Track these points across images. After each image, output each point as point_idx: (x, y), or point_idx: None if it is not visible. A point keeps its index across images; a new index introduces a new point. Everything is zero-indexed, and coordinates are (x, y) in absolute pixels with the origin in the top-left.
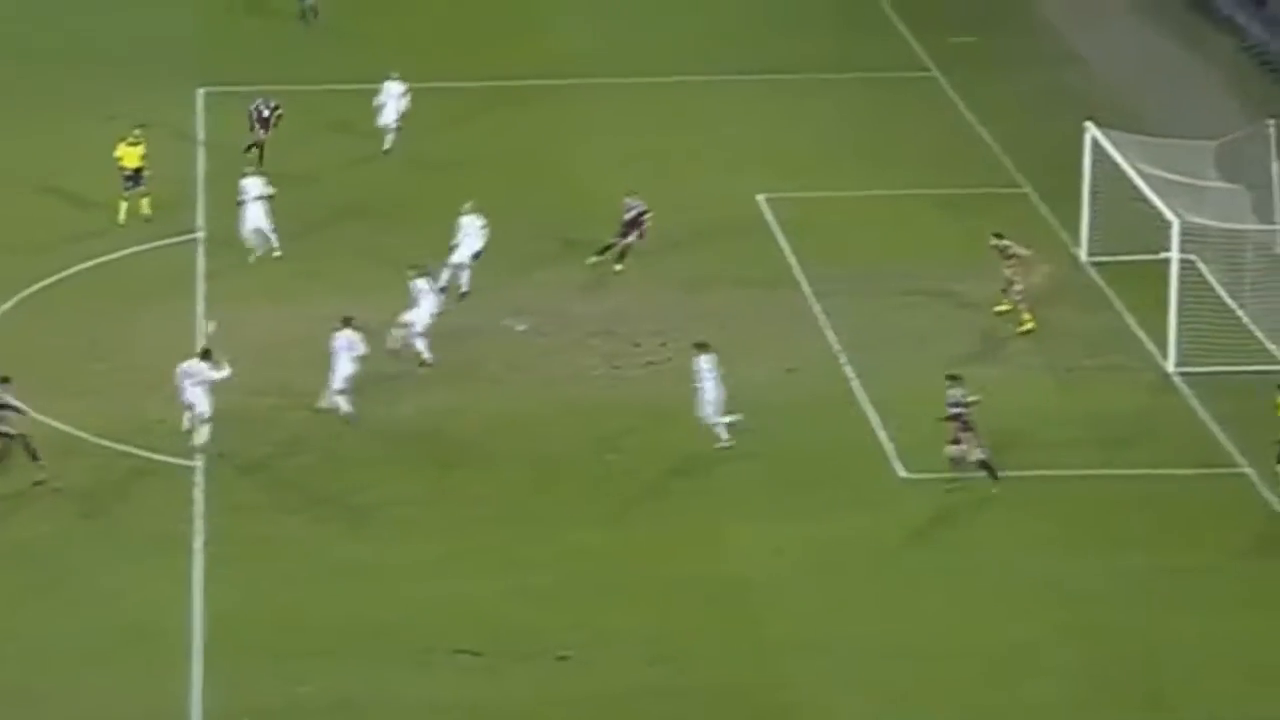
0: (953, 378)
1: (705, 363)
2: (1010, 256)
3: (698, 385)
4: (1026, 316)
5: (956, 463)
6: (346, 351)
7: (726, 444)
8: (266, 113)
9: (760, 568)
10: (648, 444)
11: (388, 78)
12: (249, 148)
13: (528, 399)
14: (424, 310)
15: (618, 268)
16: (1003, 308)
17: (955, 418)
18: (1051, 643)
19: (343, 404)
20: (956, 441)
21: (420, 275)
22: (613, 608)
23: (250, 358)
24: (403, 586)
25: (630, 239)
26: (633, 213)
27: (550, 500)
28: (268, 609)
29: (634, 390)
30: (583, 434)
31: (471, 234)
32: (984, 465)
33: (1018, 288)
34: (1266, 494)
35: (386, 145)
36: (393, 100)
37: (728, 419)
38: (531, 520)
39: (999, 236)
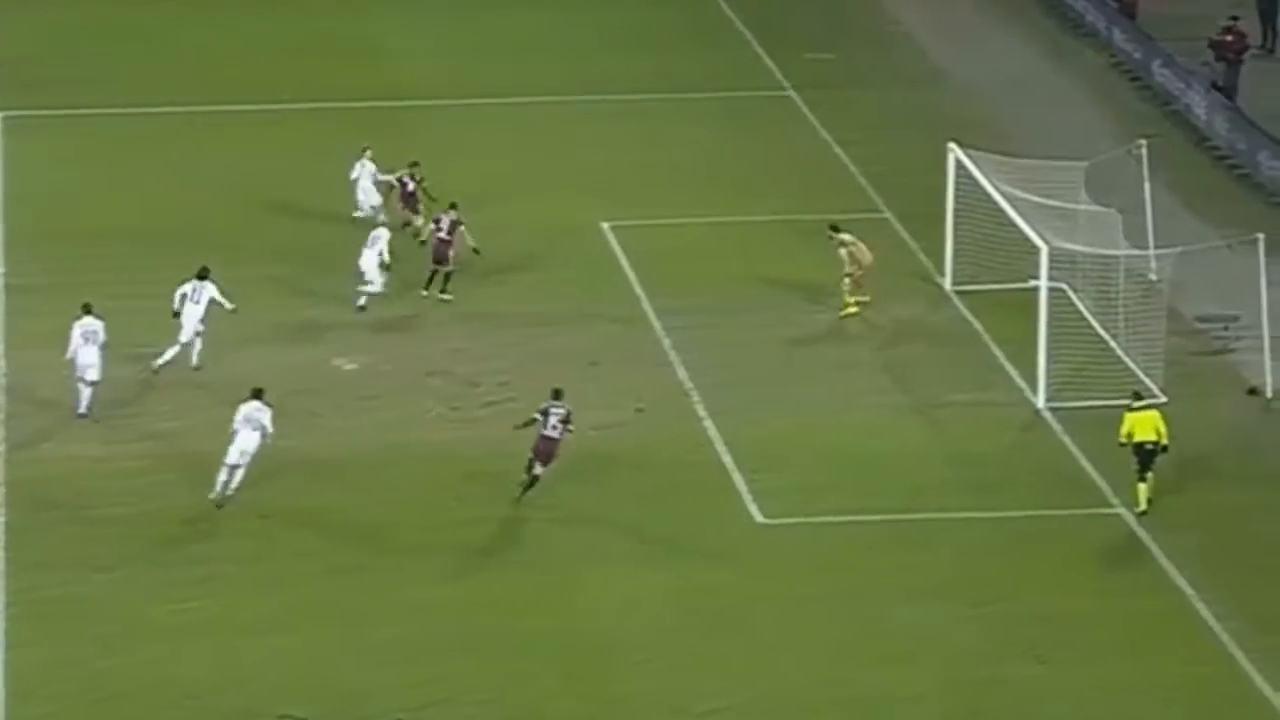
0: None
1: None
2: (843, 246)
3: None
4: (850, 300)
5: None
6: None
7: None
8: (411, 186)
9: (613, 621)
10: (490, 491)
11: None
12: (404, 225)
13: (360, 443)
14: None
15: (445, 296)
16: (849, 311)
17: None
18: (930, 697)
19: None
20: None
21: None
22: (455, 665)
23: (56, 406)
24: (224, 647)
25: (447, 266)
26: (444, 225)
27: (386, 552)
28: (75, 676)
29: (475, 434)
30: (420, 481)
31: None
32: None
33: (847, 270)
34: (1141, 533)
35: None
36: (367, 179)
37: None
38: (365, 573)
39: (835, 230)
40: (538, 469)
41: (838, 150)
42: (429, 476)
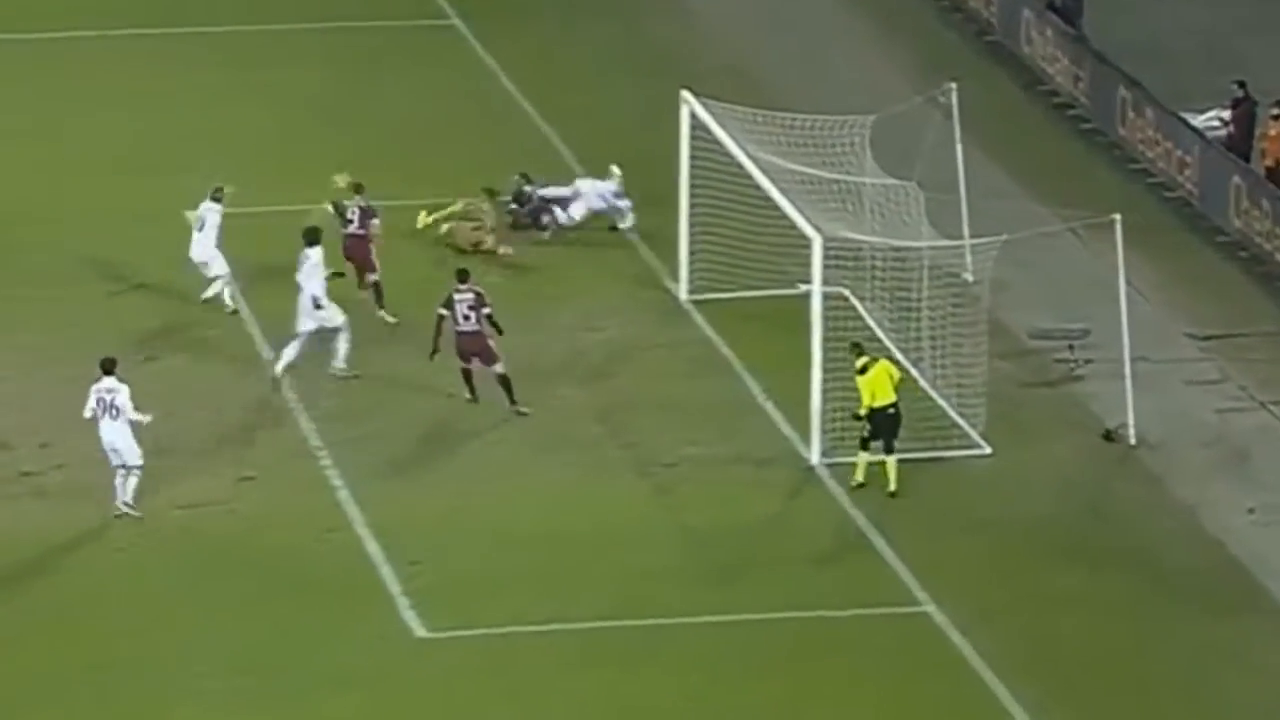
0: None
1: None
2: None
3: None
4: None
5: None
6: None
7: None
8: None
9: None
10: (39, 598)
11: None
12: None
13: None
14: None
15: (390, 319)
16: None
17: None
18: None
19: None
20: None
21: None
22: None
23: None
24: None
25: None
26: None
27: None
28: None
29: (10, 517)
30: None
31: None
32: None
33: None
34: (947, 626)
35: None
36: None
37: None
38: None
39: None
40: (475, 365)
41: (524, 102)
42: None
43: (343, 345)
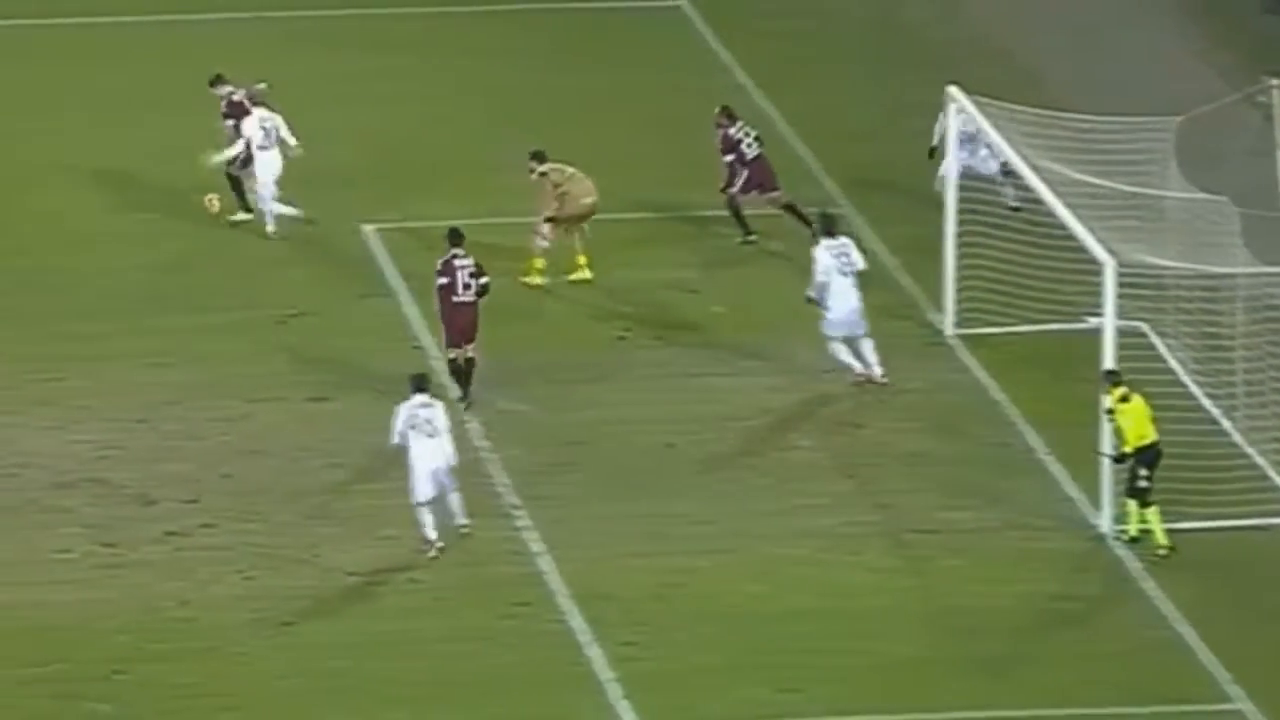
0: None
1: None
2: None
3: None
4: (538, 264)
5: None
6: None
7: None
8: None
9: None
10: (186, 678)
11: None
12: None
13: None
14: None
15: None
16: (533, 279)
17: None
18: None
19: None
20: None
21: None
22: None
23: None
24: None
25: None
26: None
27: None
28: None
29: (136, 594)
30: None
31: None
32: None
33: (549, 214)
34: None
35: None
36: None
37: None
38: None
39: (539, 159)
40: (470, 352)
41: (757, 98)
42: (48, 677)
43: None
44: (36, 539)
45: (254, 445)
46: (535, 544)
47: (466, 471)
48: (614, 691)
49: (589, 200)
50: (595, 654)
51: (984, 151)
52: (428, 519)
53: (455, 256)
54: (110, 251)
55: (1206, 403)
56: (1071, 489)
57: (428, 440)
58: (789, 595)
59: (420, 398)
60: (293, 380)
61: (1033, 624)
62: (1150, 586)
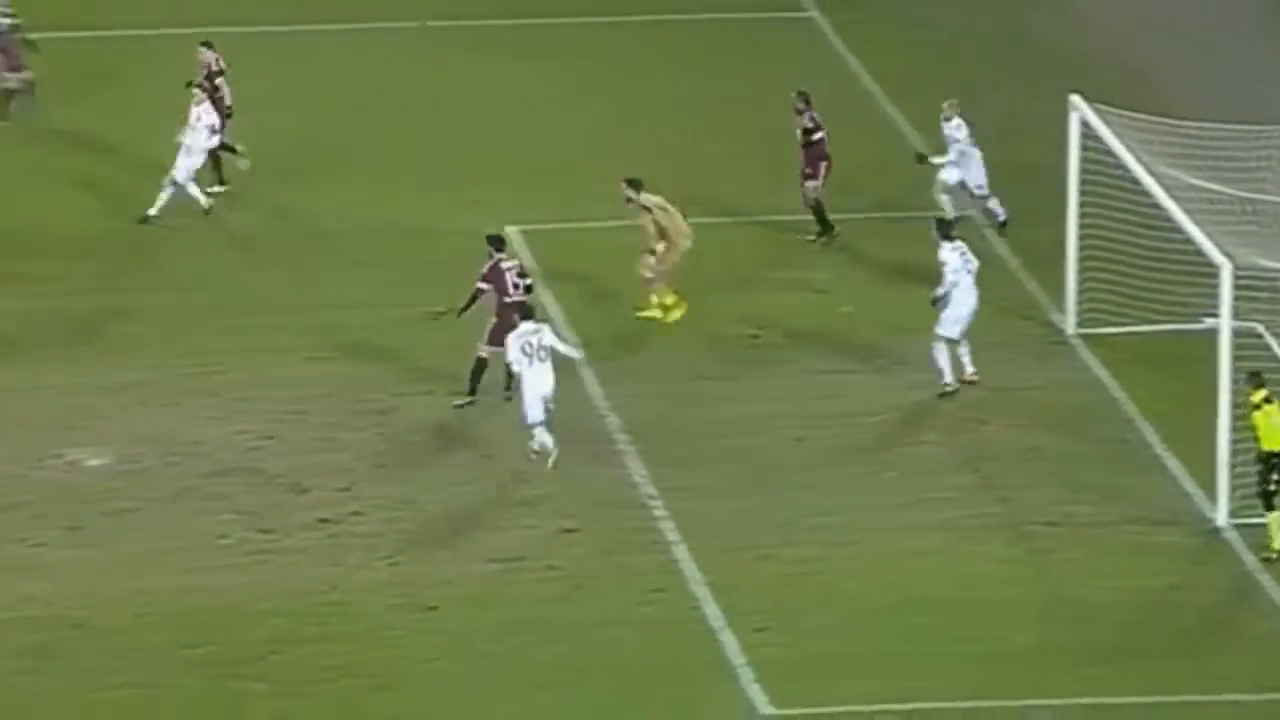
0: None
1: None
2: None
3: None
4: (653, 299)
5: None
6: None
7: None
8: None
9: None
10: (332, 664)
11: None
12: None
13: (96, 590)
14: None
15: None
16: (649, 312)
17: None
18: None
19: None
20: None
21: None
22: None
23: None
24: None
25: None
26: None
27: None
28: None
29: (290, 578)
30: (188, 666)
31: None
32: None
33: (652, 247)
34: None
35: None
36: None
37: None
38: None
39: (635, 186)
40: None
41: (888, 108)
42: (205, 659)
43: None
44: (196, 525)
45: (404, 437)
46: (670, 533)
47: (603, 463)
48: (746, 676)
49: (688, 243)
50: (728, 640)
51: (976, 169)
52: (545, 436)
53: (500, 260)
54: (267, 251)
55: None
56: (1189, 484)
57: (539, 365)
58: (914, 585)
59: (528, 325)
60: (441, 374)
61: (1148, 616)
62: (1267, 580)
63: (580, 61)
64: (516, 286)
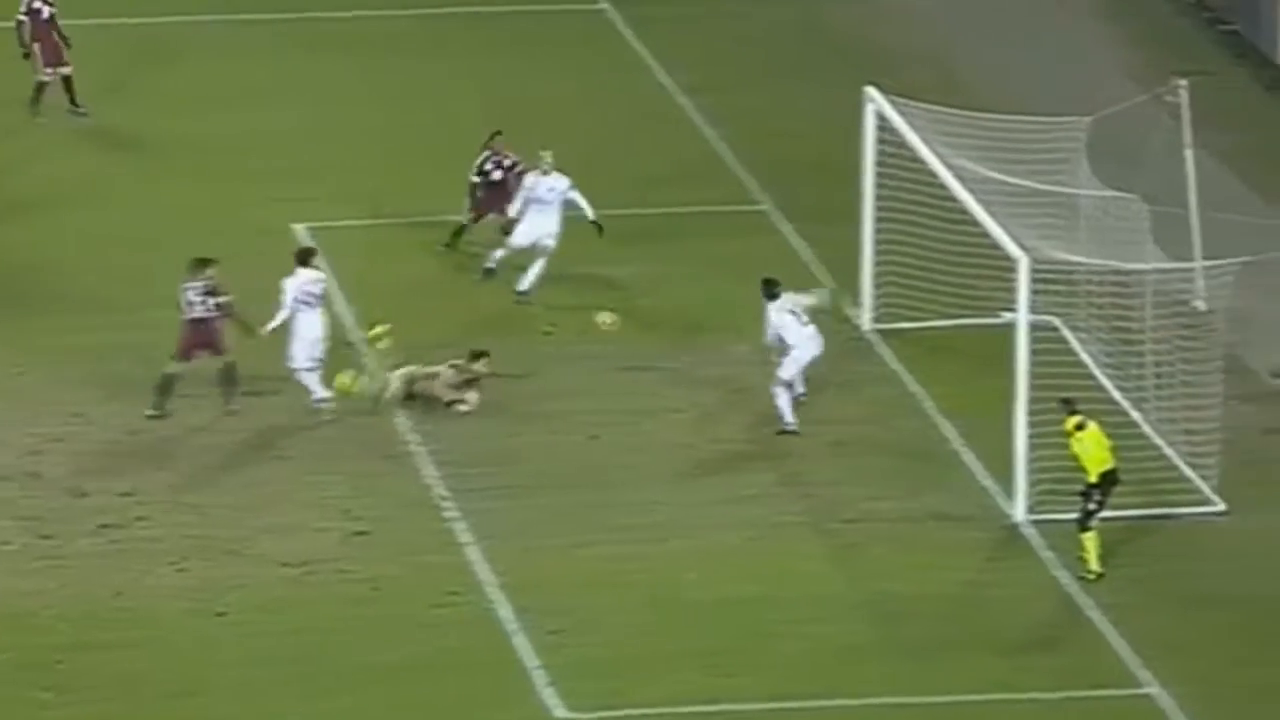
0: None
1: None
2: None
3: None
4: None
5: None
6: None
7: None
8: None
9: None
10: (118, 672)
11: None
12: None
13: None
14: None
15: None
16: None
17: None
18: None
19: None
20: None
21: None
22: None
23: None
24: None
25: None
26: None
27: None
28: None
29: (84, 575)
30: None
31: None
32: None
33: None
34: (1173, 712)
35: None
36: None
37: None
38: None
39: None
40: (194, 360)
41: (681, 99)
42: None
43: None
44: None
45: (188, 440)
46: (465, 535)
47: (394, 464)
48: (541, 679)
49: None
50: (523, 642)
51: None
52: (313, 380)
53: (188, 283)
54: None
55: (1117, 395)
56: (987, 481)
57: (312, 311)
58: (718, 584)
59: (307, 273)
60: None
61: (953, 612)
62: (1063, 575)
63: (360, 55)
64: (201, 302)
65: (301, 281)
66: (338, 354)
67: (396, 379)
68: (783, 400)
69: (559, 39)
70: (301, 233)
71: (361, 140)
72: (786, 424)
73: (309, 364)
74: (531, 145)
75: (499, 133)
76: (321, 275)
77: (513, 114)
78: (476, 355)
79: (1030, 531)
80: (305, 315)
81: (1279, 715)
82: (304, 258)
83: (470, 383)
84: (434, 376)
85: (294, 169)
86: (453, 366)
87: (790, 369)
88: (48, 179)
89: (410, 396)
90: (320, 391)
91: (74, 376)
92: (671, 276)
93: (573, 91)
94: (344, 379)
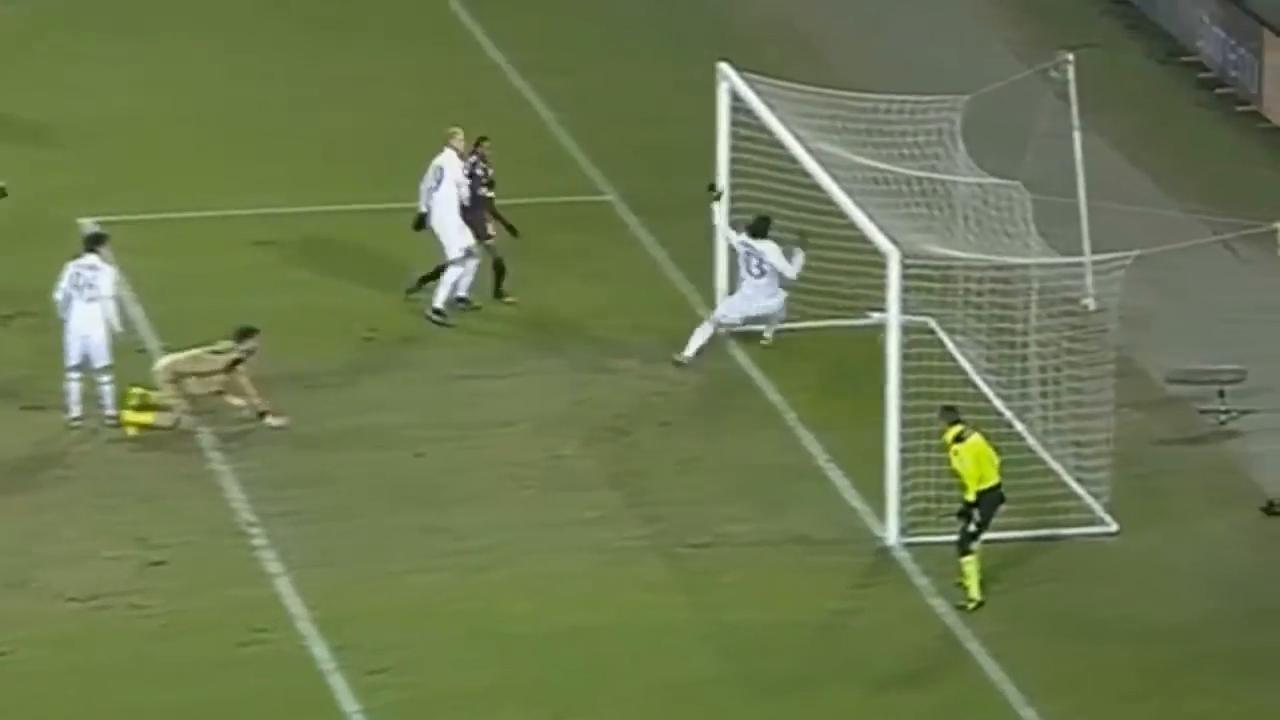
0: None
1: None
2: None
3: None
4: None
5: None
6: None
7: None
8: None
9: None
10: None
11: None
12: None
13: None
14: None
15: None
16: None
17: None
18: None
19: None
20: None
21: None
22: None
23: None
24: None
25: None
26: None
27: None
28: None
29: None
30: None
31: None
32: None
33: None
34: None
35: None
36: None
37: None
38: None
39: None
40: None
41: (518, 82)
42: None
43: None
44: None
45: None
46: (273, 564)
47: (194, 485)
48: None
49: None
50: (339, 682)
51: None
52: (73, 389)
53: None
54: None
55: (999, 404)
56: (855, 500)
57: (86, 305)
58: (556, 615)
59: (89, 258)
60: (17, 389)
61: (818, 643)
62: (939, 603)
63: (177, 37)
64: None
65: (74, 267)
66: (127, 358)
67: (161, 372)
68: (701, 337)
69: (382, 12)
70: (89, 225)
71: (166, 127)
72: (683, 355)
73: (72, 368)
74: (359, 131)
75: (485, 139)
76: (95, 261)
77: (331, 95)
78: (244, 334)
79: (903, 555)
80: (76, 306)
81: None
82: (90, 244)
83: (235, 363)
84: (205, 375)
85: (87, 159)
86: (215, 352)
87: (729, 314)
88: None
89: (185, 395)
90: (73, 410)
91: None
92: (515, 278)
93: (397, 70)
94: (129, 406)
